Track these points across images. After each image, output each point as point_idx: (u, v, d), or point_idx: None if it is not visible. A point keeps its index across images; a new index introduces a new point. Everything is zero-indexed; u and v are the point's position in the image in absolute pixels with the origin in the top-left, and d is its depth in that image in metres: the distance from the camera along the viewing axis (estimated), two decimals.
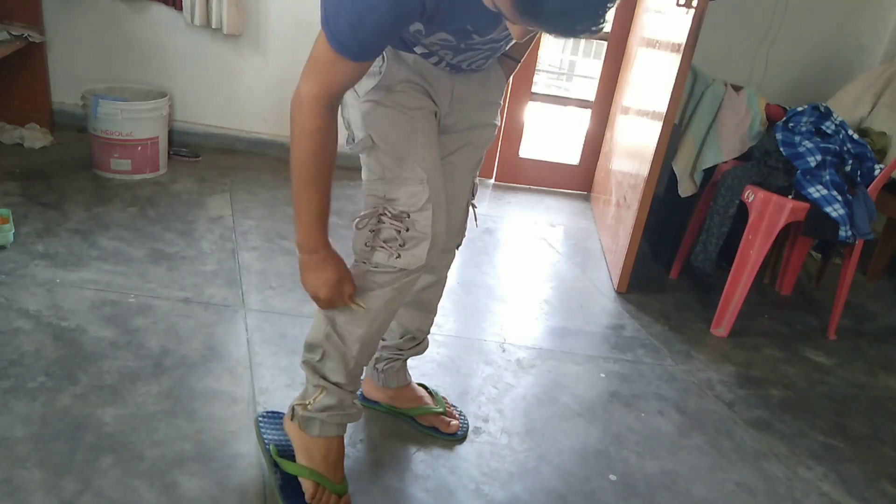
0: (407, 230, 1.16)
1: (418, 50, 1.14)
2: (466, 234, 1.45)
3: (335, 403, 1.29)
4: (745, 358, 2.16)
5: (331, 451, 1.32)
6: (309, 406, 1.30)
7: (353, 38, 0.95)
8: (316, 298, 1.20)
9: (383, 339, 1.52)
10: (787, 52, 3.22)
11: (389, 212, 1.16)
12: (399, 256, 1.17)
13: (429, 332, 1.55)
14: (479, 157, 1.36)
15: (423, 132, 1.17)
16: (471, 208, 1.41)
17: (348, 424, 1.37)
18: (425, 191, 1.15)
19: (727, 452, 1.69)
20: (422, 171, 1.15)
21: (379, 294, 1.21)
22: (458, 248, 1.46)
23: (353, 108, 1.20)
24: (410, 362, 1.61)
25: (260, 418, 1.44)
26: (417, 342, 1.54)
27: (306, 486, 1.30)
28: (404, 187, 1.15)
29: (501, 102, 1.35)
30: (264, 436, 1.40)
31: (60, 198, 2.42)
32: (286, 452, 1.35)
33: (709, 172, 2.54)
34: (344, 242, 1.23)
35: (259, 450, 1.41)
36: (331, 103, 1.06)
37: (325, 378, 1.29)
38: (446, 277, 1.50)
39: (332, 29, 0.96)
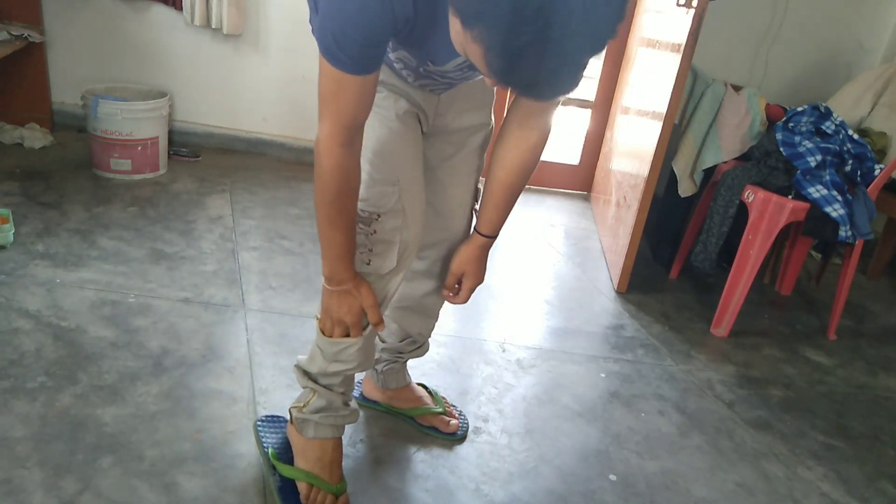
0: (374, 233, 1.15)
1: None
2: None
3: (325, 405, 1.30)
4: (745, 358, 2.16)
5: (326, 452, 1.32)
6: (304, 408, 1.31)
7: (338, 49, 0.94)
8: (340, 323, 1.20)
9: (383, 342, 1.51)
10: (787, 52, 3.22)
11: (359, 215, 1.16)
12: (369, 262, 1.17)
13: (430, 336, 1.55)
14: (480, 161, 1.35)
15: (399, 134, 1.16)
16: (474, 214, 1.39)
17: (347, 425, 1.37)
18: (395, 192, 1.14)
19: (727, 452, 1.69)
20: (393, 173, 1.14)
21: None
22: None
23: None
24: (410, 362, 1.61)
25: (259, 422, 1.45)
26: (418, 345, 1.53)
27: (301, 487, 1.31)
28: (375, 188, 1.15)
29: (493, 99, 1.34)
30: (263, 439, 1.40)
31: (60, 198, 2.42)
32: (284, 455, 1.36)
33: (709, 172, 2.54)
34: None
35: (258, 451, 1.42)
36: (346, 140, 1.04)
37: (315, 381, 1.29)
38: None
39: (320, 39, 0.95)
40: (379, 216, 1.15)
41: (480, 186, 1.37)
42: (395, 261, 1.17)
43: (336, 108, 1.01)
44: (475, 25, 0.73)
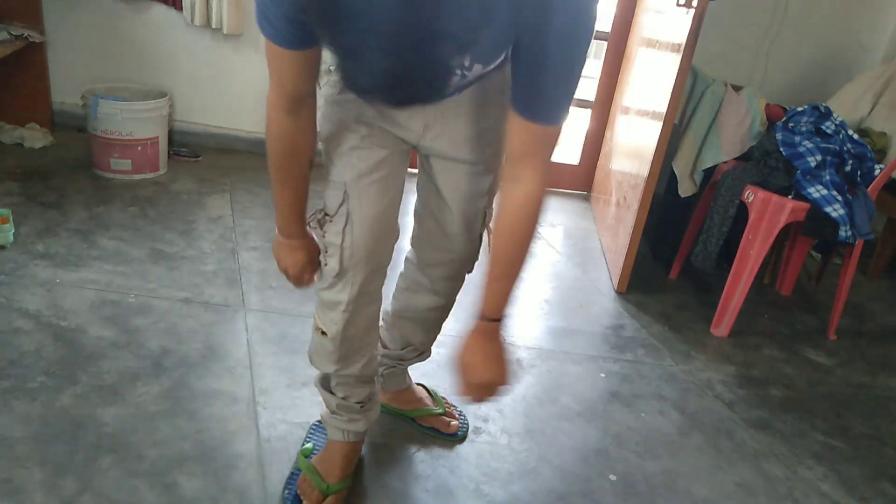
0: (324, 235, 1.17)
1: None
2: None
3: (331, 409, 1.35)
4: (745, 358, 2.16)
5: (331, 452, 1.36)
6: (323, 411, 1.39)
7: (265, 19, 0.94)
8: (284, 273, 1.27)
9: (385, 348, 1.52)
10: (787, 52, 3.21)
11: (316, 215, 1.18)
12: (327, 264, 1.18)
13: (431, 345, 1.54)
14: (485, 184, 1.24)
15: (357, 136, 1.14)
16: (486, 235, 1.32)
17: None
18: (340, 195, 1.14)
19: (727, 452, 1.69)
20: (341, 174, 1.14)
21: (334, 319, 1.21)
22: (469, 273, 1.40)
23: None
24: None
25: (314, 423, 1.52)
26: (419, 353, 1.53)
27: (300, 477, 1.36)
28: (329, 189, 1.17)
29: (502, 121, 1.08)
30: (309, 435, 1.49)
31: (60, 198, 2.42)
32: (311, 451, 1.44)
33: (709, 172, 2.54)
34: None
35: (259, 449, 1.43)
36: (289, 106, 1.06)
37: (327, 390, 1.35)
38: (455, 301, 1.45)
39: (255, 10, 0.95)
40: (331, 218, 1.16)
41: (493, 210, 1.29)
42: (337, 267, 1.16)
43: (279, 78, 1.03)
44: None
